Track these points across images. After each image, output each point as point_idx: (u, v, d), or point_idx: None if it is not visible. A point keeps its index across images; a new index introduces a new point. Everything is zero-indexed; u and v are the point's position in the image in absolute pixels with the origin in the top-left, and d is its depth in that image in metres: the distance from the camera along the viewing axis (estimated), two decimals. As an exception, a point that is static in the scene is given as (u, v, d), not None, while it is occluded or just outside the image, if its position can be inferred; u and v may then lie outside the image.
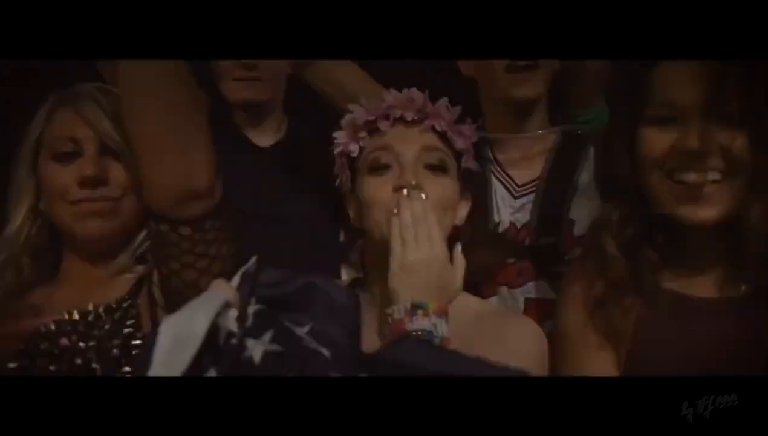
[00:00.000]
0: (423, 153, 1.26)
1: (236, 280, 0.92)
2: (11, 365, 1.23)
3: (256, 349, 0.82)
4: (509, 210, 1.57)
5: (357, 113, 1.30)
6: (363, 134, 1.30)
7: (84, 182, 1.31)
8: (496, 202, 1.58)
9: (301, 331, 0.87)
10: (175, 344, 0.81)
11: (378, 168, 1.27)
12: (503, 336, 1.21)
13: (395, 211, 1.19)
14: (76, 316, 1.27)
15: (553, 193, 1.56)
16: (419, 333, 1.09)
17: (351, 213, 1.35)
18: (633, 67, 1.22)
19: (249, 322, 0.86)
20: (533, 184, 1.58)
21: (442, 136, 1.29)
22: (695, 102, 1.14)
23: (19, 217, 1.36)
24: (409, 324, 1.10)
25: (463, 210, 1.33)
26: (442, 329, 1.11)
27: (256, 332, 0.84)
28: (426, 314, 1.11)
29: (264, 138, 1.70)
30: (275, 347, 0.83)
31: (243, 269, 0.92)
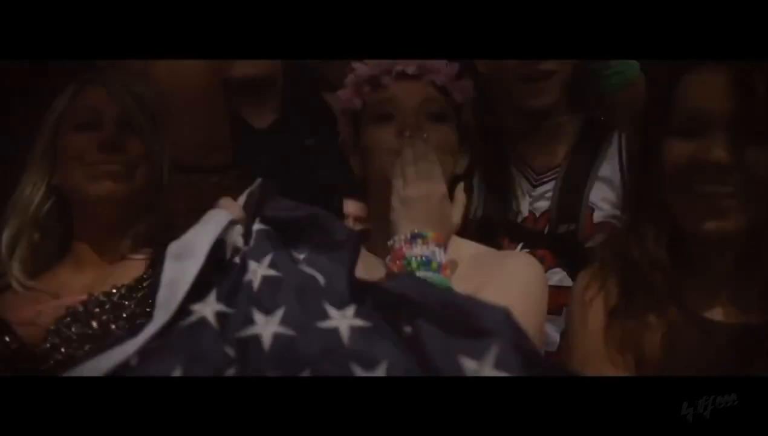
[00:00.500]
0: (424, 103, 1.31)
1: (242, 199, 0.95)
2: (44, 346, 1.27)
3: (256, 272, 0.84)
4: (528, 199, 1.57)
5: (360, 70, 1.35)
6: (366, 89, 1.35)
7: (102, 145, 1.37)
8: (515, 192, 1.58)
9: (299, 255, 0.89)
10: (181, 260, 0.83)
11: (381, 118, 1.31)
12: (501, 268, 1.26)
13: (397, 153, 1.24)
14: (102, 297, 1.31)
15: (573, 181, 1.56)
16: (418, 257, 1.13)
17: (355, 167, 1.39)
18: (660, 77, 1.23)
19: (252, 239, 0.89)
20: (553, 172, 1.58)
21: (442, 89, 1.34)
22: (721, 115, 1.13)
23: (29, 185, 1.41)
24: (408, 251, 1.14)
25: (463, 160, 1.37)
26: (440, 256, 1.15)
27: (257, 254, 0.86)
28: (425, 243, 1.15)
29: (261, 118, 1.69)
30: (273, 272, 0.85)
31: (249, 189, 0.95)
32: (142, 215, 1.40)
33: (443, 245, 1.17)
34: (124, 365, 0.80)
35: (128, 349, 0.80)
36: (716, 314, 1.18)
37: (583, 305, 1.25)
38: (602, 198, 1.52)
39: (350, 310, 0.84)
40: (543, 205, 1.56)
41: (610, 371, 1.16)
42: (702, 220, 1.15)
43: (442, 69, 1.33)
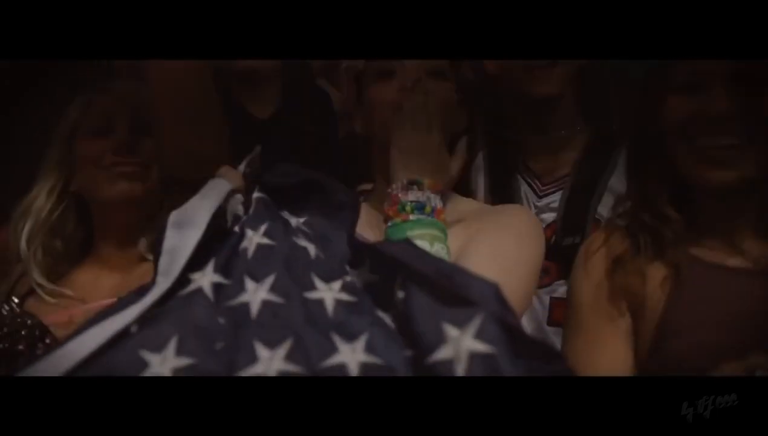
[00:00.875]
0: (424, 60, 1.32)
1: (242, 167, 0.95)
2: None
3: (252, 240, 0.85)
4: (534, 210, 1.56)
5: None
6: None
7: (118, 148, 1.42)
8: (521, 202, 1.57)
9: (297, 221, 0.90)
10: (182, 229, 0.84)
11: (383, 74, 1.33)
12: (497, 218, 1.28)
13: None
14: None
15: (580, 192, 1.55)
16: (413, 202, 1.16)
17: (358, 126, 1.41)
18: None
19: (252, 207, 0.89)
20: (559, 182, 1.57)
21: None
22: (721, 67, 1.15)
23: (43, 191, 1.45)
24: (404, 197, 1.17)
25: (462, 118, 1.38)
26: (434, 201, 1.17)
27: (254, 222, 0.87)
28: (420, 189, 1.18)
29: (262, 109, 1.69)
30: (267, 241, 0.85)
31: (249, 156, 0.96)
32: (158, 215, 1.42)
33: (439, 192, 1.19)
34: (125, 331, 0.80)
35: (132, 313, 0.81)
36: (726, 260, 1.20)
37: (588, 256, 1.27)
38: (610, 210, 1.49)
39: (337, 284, 0.85)
40: (549, 216, 1.55)
41: (606, 325, 1.19)
42: (707, 171, 1.17)
43: None
